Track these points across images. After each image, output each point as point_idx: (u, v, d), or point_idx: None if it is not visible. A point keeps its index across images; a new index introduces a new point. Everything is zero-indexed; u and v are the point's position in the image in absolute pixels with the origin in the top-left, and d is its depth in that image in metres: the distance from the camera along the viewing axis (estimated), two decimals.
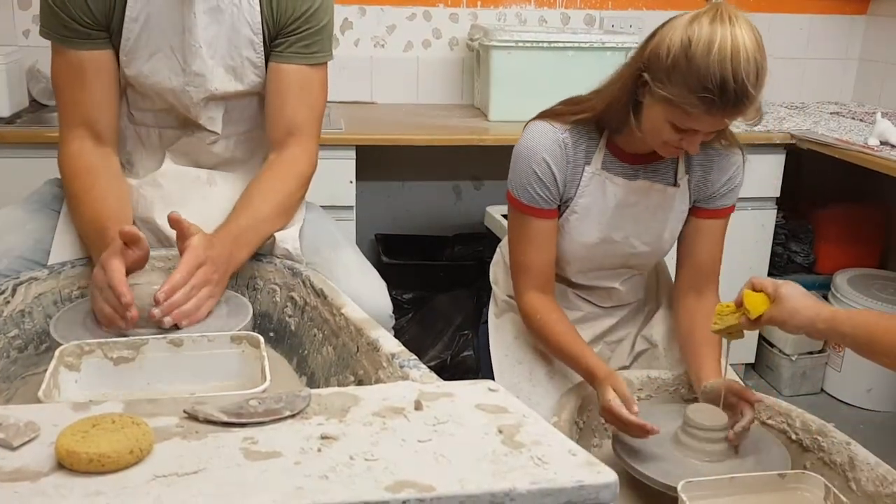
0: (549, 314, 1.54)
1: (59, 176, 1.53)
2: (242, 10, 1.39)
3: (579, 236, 1.54)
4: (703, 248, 1.59)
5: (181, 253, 1.21)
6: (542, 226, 1.53)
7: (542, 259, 1.55)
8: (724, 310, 1.34)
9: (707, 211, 1.57)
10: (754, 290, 1.30)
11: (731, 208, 1.59)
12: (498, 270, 1.77)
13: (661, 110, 1.35)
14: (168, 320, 1.14)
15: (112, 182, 1.39)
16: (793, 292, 1.26)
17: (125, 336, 1.13)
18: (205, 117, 1.47)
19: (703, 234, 1.58)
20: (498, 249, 1.81)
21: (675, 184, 1.53)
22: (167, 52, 1.39)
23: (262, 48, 1.43)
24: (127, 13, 1.35)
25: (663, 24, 1.36)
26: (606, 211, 1.52)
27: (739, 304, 1.31)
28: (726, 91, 1.26)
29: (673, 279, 1.73)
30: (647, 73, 1.34)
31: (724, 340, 1.42)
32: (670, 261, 1.68)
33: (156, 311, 1.13)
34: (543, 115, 1.54)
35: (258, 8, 1.40)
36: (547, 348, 1.58)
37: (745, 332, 1.34)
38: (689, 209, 1.57)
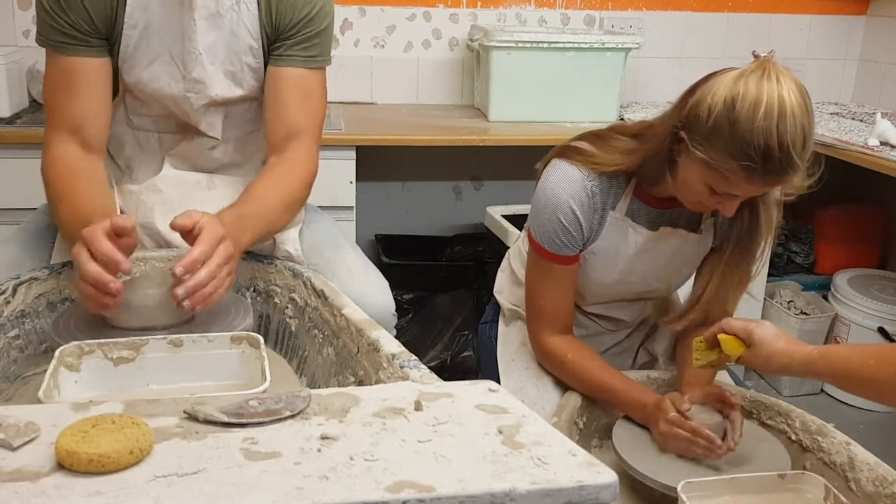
0: (579, 353, 1.49)
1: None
2: (241, 15, 1.38)
3: (596, 276, 1.50)
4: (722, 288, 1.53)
5: (191, 242, 1.12)
6: (565, 271, 1.47)
7: (564, 304, 1.50)
8: (701, 346, 1.32)
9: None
10: (725, 333, 1.27)
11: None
12: (504, 278, 1.73)
13: (697, 172, 1.27)
14: (187, 304, 1.08)
15: (96, 185, 1.33)
16: (765, 336, 1.23)
17: (121, 330, 1.12)
18: (205, 123, 1.47)
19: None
20: (506, 257, 1.77)
21: (697, 230, 1.48)
22: (167, 58, 1.39)
23: (262, 54, 1.42)
24: (126, 20, 1.35)
25: (706, 79, 1.27)
26: (625, 256, 1.47)
27: (711, 341, 1.30)
28: (770, 159, 1.19)
29: (680, 297, 1.71)
30: (685, 132, 1.26)
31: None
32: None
33: (179, 292, 1.07)
34: (569, 154, 1.44)
35: (257, 13, 1.39)
36: (582, 388, 1.51)
37: (725, 365, 1.33)
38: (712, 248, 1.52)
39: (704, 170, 1.26)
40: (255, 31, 1.40)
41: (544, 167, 1.49)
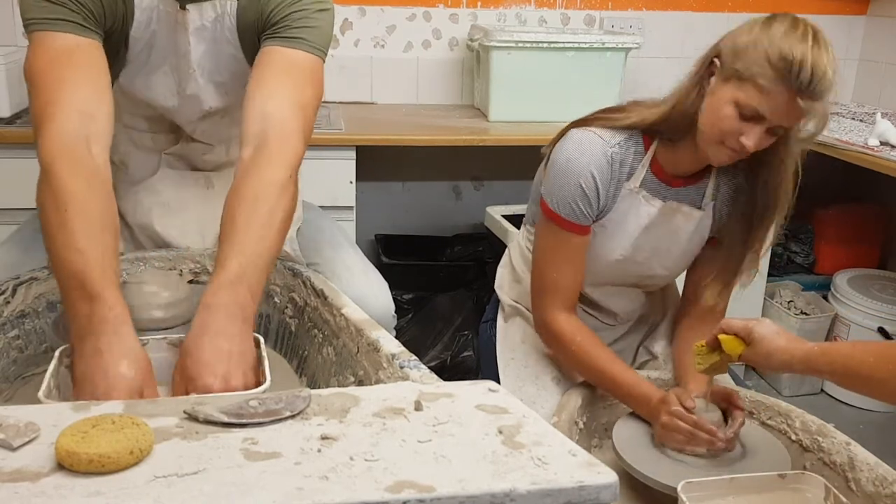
0: (588, 338, 1.49)
1: None
2: (224, 26, 1.33)
3: (603, 251, 1.50)
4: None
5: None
6: (578, 242, 1.46)
7: (574, 277, 1.49)
8: (702, 350, 1.33)
9: None
10: (725, 333, 1.28)
11: None
12: (505, 273, 1.73)
13: (729, 90, 1.30)
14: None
15: (98, 207, 1.09)
16: (766, 334, 1.23)
17: None
18: (199, 132, 1.46)
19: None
20: (507, 252, 1.76)
21: (700, 207, 1.49)
22: (166, 70, 1.36)
23: (245, 61, 1.37)
24: (132, 32, 1.30)
25: (730, 31, 1.36)
26: (635, 230, 1.47)
27: (711, 344, 1.31)
28: (803, 72, 1.24)
29: (678, 295, 1.71)
30: (719, 57, 1.32)
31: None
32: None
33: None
34: (584, 124, 1.46)
35: (236, 23, 1.33)
36: (586, 374, 1.51)
37: (727, 366, 1.34)
38: (708, 238, 1.53)
39: (737, 85, 1.29)
40: (234, 41, 1.35)
41: (554, 144, 1.48)
